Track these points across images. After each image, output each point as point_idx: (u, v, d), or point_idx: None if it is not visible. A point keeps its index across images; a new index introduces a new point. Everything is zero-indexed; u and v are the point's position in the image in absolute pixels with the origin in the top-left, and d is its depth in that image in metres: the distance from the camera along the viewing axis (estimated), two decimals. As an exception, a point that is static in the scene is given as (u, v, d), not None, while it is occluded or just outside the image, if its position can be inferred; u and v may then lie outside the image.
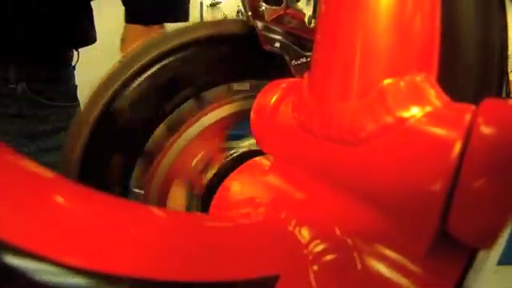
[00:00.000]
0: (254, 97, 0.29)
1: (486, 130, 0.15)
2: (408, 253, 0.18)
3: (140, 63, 0.31)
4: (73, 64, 0.72)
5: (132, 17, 0.63)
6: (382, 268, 0.18)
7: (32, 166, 0.17)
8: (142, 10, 0.62)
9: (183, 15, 0.64)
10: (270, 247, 0.19)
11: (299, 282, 0.18)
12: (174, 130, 0.33)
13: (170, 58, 0.32)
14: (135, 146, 0.33)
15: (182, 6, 0.64)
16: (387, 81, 0.19)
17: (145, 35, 0.60)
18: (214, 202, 0.30)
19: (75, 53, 0.72)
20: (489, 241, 0.16)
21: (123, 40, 0.64)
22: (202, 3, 2.09)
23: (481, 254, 0.17)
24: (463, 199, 0.15)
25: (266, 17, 0.32)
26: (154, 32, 0.61)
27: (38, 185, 0.17)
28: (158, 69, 0.32)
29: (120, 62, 0.32)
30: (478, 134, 0.15)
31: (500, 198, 0.15)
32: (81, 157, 0.31)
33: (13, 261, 0.13)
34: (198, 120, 0.33)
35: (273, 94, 0.27)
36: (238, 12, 2.05)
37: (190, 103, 0.34)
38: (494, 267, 0.19)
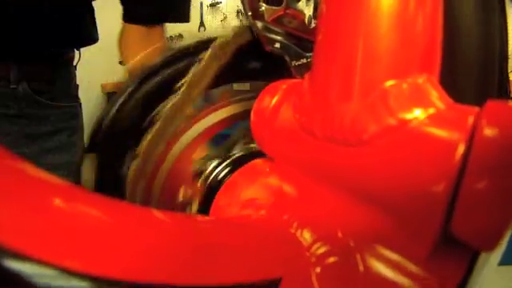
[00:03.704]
0: (253, 98, 0.29)
1: (489, 132, 0.15)
2: (410, 254, 0.18)
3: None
4: (74, 64, 0.72)
5: (130, 17, 0.60)
6: (384, 270, 0.18)
7: (31, 169, 0.17)
8: (141, 9, 0.59)
9: (183, 16, 0.62)
10: (272, 250, 0.19)
11: (302, 284, 0.18)
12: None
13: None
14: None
15: (181, 5, 0.62)
16: (389, 82, 0.19)
17: (143, 36, 0.59)
18: (214, 204, 0.30)
19: (76, 52, 0.71)
20: (492, 242, 0.16)
21: (121, 40, 0.62)
22: (201, 3, 2.09)
23: (483, 255, 0.17)
24: (466, 201, 0.15)
25: (265, 17, 0.32)
26: (153, 32, 0.60)
27: (38, 188, 0.16)
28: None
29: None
30: (482, 136, 0.15)
31: (503, 200, 0.15)
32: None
33: (12, 265, 0.13)
34: (195, 123, 0.33)
35: (273, 96, 0.27)
36: (237, 12, 2.05)
37: None
38: (495, 267, 0.19)
